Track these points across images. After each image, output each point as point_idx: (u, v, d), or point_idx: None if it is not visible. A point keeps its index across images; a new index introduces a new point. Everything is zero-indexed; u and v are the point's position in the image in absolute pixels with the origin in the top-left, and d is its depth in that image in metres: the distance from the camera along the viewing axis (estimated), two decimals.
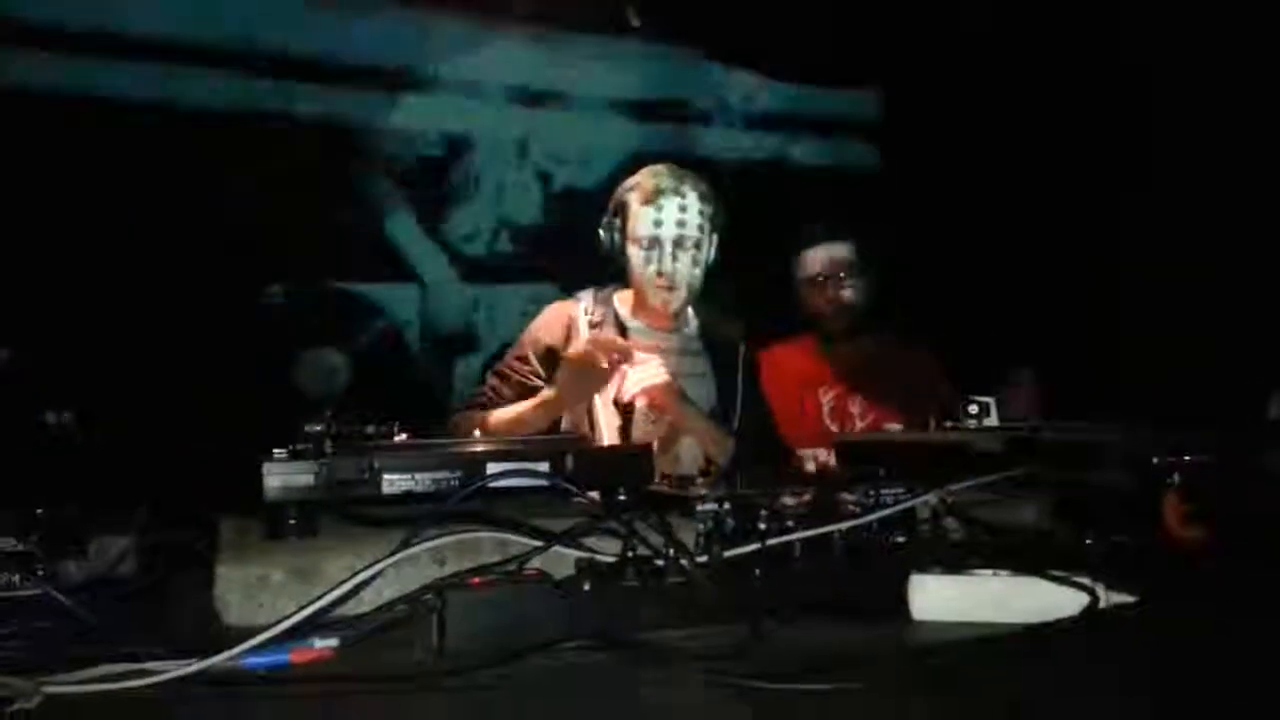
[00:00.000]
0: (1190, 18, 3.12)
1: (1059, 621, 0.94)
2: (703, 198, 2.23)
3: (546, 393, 2.12)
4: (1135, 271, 3.30)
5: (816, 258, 2.72)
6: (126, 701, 0.80)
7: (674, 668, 0.89)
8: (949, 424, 1.66)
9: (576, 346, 2.12)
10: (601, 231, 2.27)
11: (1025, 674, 0.88)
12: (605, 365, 2.04)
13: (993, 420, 1.64)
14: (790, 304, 2.80)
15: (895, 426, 1.71)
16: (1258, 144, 3.01)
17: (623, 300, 2.33)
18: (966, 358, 2.68)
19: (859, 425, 2.64)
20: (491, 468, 1.27)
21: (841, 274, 2.70)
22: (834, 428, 2.65)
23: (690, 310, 2.35)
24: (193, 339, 3.07)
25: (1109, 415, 1.63)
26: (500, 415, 2.15)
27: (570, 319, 2.27)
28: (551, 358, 2.20)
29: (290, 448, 1.22)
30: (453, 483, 1.24)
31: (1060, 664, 0.89)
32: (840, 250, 2.71)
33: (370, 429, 1.37)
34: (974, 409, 1.64)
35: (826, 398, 2.71)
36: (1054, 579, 0.98)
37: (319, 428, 1.24)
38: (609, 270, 2.31)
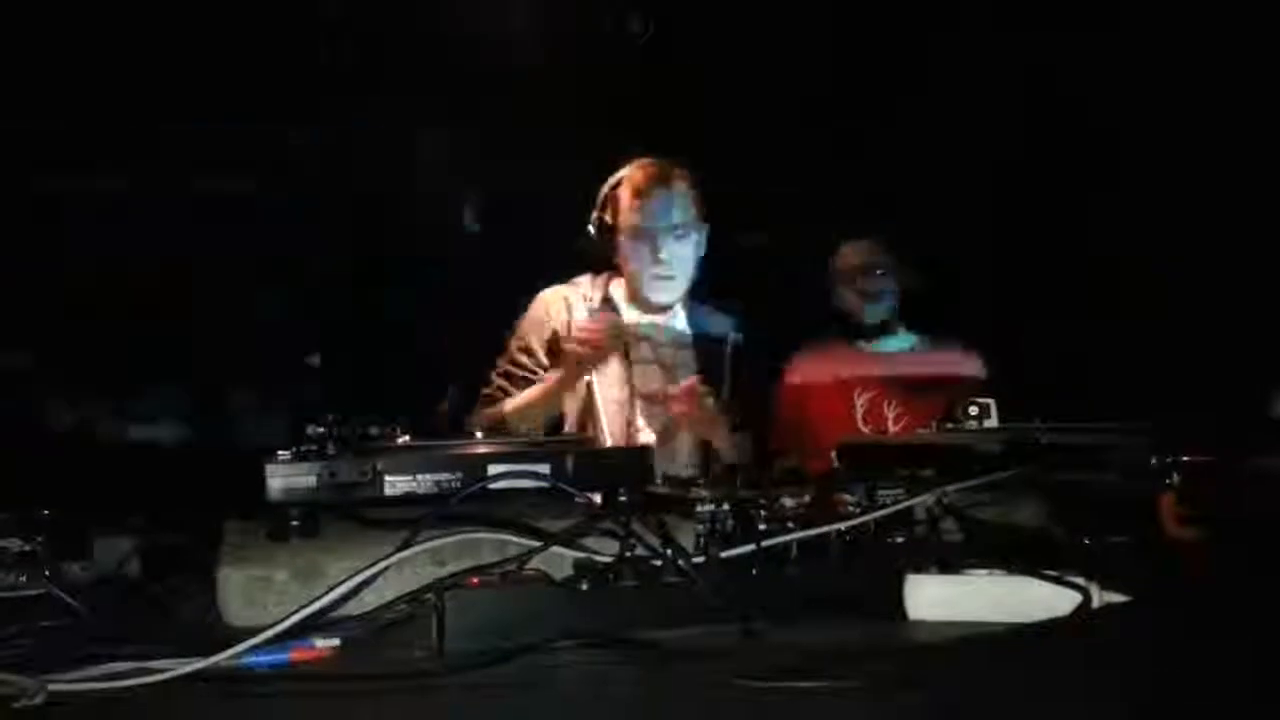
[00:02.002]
0: (1196, 19, 3.12)
1: (1051, 621, 0.95)
2: (691, 187, 2.25)
3: (551, 375, 2.16)
4: (1140, 270, 3.30)
5: (849, 254, 2.70)
6: (129, 699, 0.81)
7: (669, 666, 0.90)
8: (949, 425, 1.67)
9: (585, 326, 2.16)
10: (591, 228, 2.29)
11: (1016, 672, 0.88)
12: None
13: (993, 421, 1.64)
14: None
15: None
16: (1266, 143, 3.01)
17: (617, 289, 2.34)
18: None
19: (893, 428, 2.62)
20: (493, 469, 1.28)
21: (875, 270, 2.67)
22: (867, 430, 2.61)
23: (679, 303, 2.36)
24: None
25: (1110, 416, 1.64)
26: (513, 404, 2.19)
27: (568, 304, 2.29)
28: (553, 339, 2.23)
29: (294, 449, 1.24)
30: (454, 484, 1.25)
31: (1051, 662, 0.90)
32: (873, 246, 2.69)
33: (374, 431, 1.38)
34: (974, 410, 1.65)
35: (861, 399, 2.66)
36: (1047, 579, 0.99)
37: (321, 429, 1.25)
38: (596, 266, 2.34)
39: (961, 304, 3.03)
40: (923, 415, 2.42)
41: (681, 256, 2.23)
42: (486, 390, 2.30)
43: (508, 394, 2.24)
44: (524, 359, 2.25)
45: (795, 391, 2.78)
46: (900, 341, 2.75)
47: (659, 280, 2.24)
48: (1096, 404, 1.76)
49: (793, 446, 2.72)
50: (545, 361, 2.23)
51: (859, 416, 2.67)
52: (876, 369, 2.71)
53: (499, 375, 2.28)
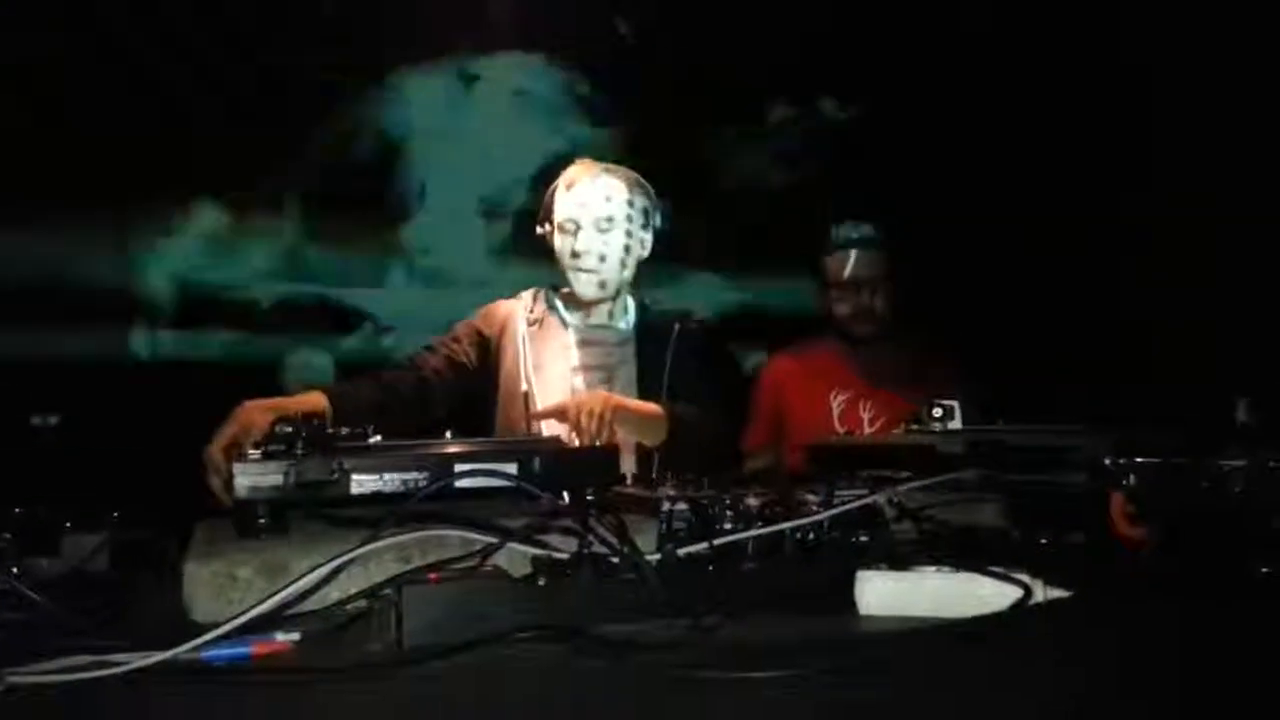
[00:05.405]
0: (1187, 17, 3.15)
1: (991, 615, 0.98)
2: (631, 187, 2.24)
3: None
4: (1120, 276, 3.34)
5: (840, 263, 2.73)
6: (87, 691, 0.83)
7: (621, 658, 0.92)
8: (914, 427, 1.69)
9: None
10: (537, 229, 2.29)
11: (953, 664, 0.91)
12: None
13: (956, 423, 1.67)
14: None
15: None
16: (1254, 148, 3.04)
17: (562, 297, 2.34)
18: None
19: (868, 430, 2.64)
20: (460, 469, 1.30)
21: (866, 280, 2.70)
22: (842, 431, 2.64)
23: (629, 302, 2.36)
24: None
25: (1075, 418, 1.66)
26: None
27: (508, 314, 2.30)
28: (483, 344, 2.26)
29: (262, 448, 1.26)
30: (420, 483, 1.28)
31: (988, 654, 0.92)
32: (865, 256, 2.71)
33: (344, 431, 1.40)
34: (938, 411, 1.67)
35: (837, 401, 2.70)
36: (991, 574, 1.01)
37: (290, 429, 1.27)
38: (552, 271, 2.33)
39: (942, 309, 3.06)
40: (899, 418, 2.44)
41: (604, 250, 2.20)
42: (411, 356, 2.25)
43: (423, 363, 2.19)
44: (449, 341, 2.25)
45: (773, 390, 2.81)
46: (882, 346, 2.77)
47: (578, 273, 2.21)
48: (1070, 409, 1.79)
49: (769, 444, 2.75)
50: (468, 350, 2.24)
51: (835, 417, 2.69)
52: (854, 371, 2.73)
53: (425, 347, 2.26)
